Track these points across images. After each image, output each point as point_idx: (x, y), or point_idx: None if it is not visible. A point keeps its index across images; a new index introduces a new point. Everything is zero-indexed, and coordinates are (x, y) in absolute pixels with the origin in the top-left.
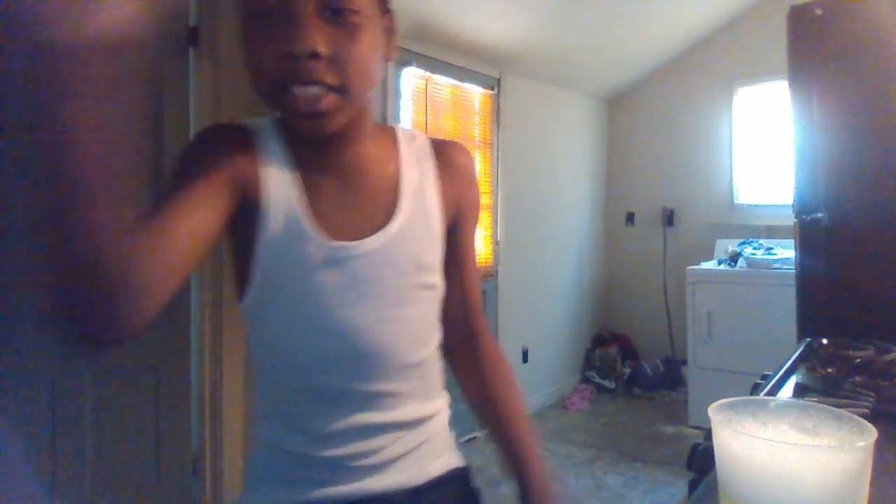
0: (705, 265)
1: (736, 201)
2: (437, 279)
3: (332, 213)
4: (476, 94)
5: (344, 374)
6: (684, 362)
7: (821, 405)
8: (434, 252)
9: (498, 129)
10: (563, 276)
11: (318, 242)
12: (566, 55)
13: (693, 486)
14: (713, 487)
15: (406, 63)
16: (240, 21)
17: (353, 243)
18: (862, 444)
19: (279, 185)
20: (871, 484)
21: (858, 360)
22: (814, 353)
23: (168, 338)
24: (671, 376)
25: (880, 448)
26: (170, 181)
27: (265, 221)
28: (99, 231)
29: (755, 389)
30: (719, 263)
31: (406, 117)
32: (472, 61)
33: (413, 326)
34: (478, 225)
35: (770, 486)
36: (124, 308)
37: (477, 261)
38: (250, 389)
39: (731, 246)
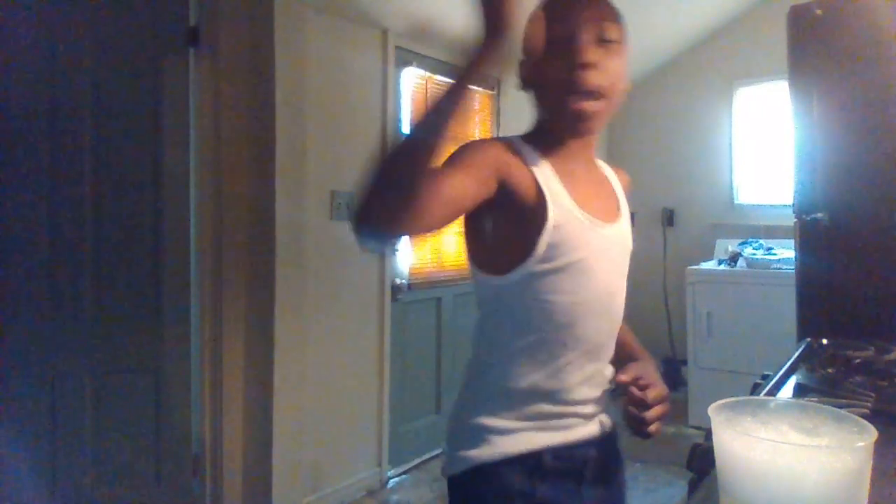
0: (705, 265)
1: (736, 201)
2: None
3: (585, 201)
4: (476, 94)
5: (602, 329)
6: (684, 362)
7: (821, 405)
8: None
9: (498, 129)
10: None
11: (586, 223)
12: None
13: (693, 486)
14: (713, 487)
15: (406, 63)
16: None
17: (608, 224)
18: (862, 444)
19: (550, 181)
20: (871, 484)
21: (858, 360)
22: (814, 353)
23: (168, 338)
24: (671, 376)
25: (880, 448)
26: (450, 159)
27: (547, 208)
28: (423, 170)
29: (755, 389)
30: (719, 263)
31: (406, 117)
32: None
33: (624, 292)
34: None
35: (770, 486)
36: (405, 216)
37: None
38: (250, 389)
39: (731, 246)
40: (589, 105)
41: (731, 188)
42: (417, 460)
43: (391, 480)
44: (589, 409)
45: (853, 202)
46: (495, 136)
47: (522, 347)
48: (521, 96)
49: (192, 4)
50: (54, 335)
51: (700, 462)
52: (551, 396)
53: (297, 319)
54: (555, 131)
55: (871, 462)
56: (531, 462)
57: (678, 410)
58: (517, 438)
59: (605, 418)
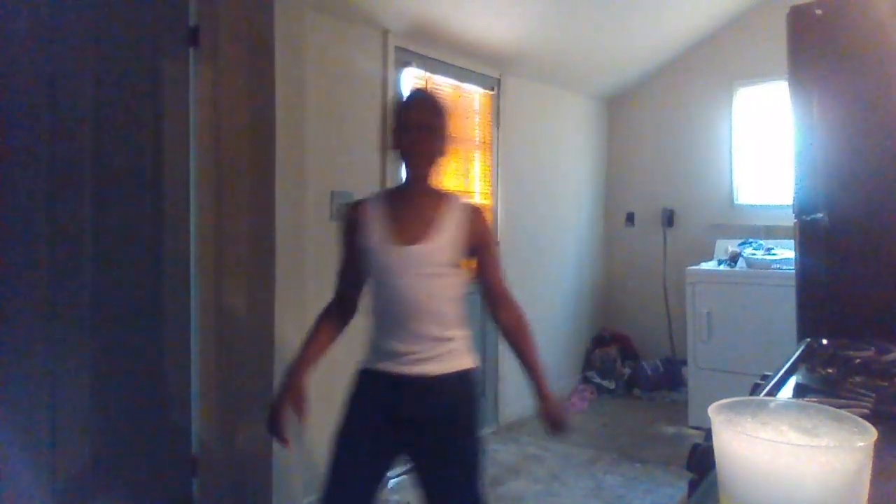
0: (705, 265)
1: (736, 201)
2: (446, 270)
3: (398, 231)
4: (476, 94)
5: (406, 315)
6: (684, 363)
7: (821, 405)
8: (445, 257)
9: (498, 129)
10: (562, 276)
11: (389, 246)
12: (566, 55)
13: (693, 486)
14: (713, 487)
15: (406, 63)
16: (396, 124)
17: (409, 245)
18: (862, 444)
19: (376, 222)
20: (871, 484)
21: (858, 361)
22: (814, 354)
23: (168, 338)
24: (671, 377)
25: (880, 448)
26: (340, 250)
27: (368, 240)
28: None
29: (755, 390)
30: (719, 264)
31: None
32: (472, 61)
33: (430, 292)
34: (493, 245)
35: (770, 486)
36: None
37: (497, 263)
38: (250, 389)
39: (731, 246)
40: (417, 160)
41: (731, 188)
42: None
43: (391, 480)
44: (409, 357)
45: (853, 202)
46: (377, 192)
47: (373, 317)
48: (521, 96)
49: (192, 5)
50: (54, 335)
51: (700, 462)
52: (384, 345)
53: (297, 319)
54: (406, 180)
55: (871, 462)
56: (366, 374)
57: (678, 411)
58: (367, 361)
59: (427, 367)
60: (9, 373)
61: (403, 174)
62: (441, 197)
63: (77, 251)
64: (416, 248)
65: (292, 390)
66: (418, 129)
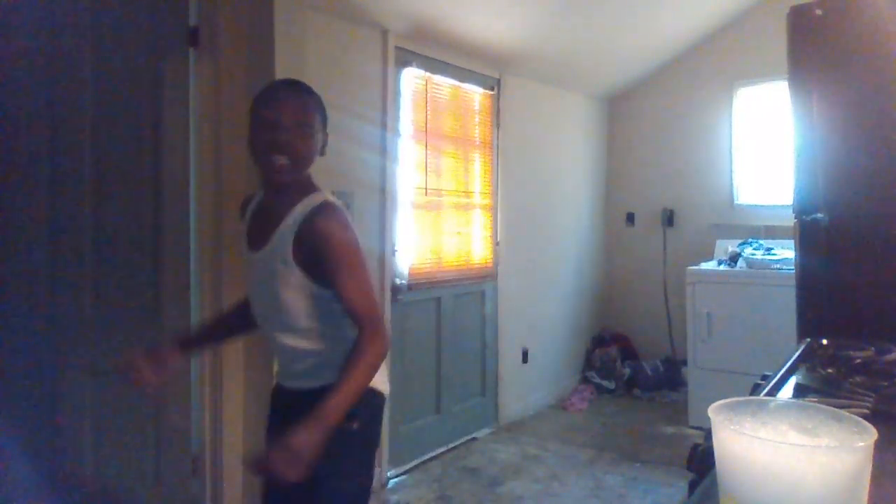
0: (705, 265)
1: (736, 201)
2: (282, 278)
3: (254, 234)
4: (476, 94)
5: (261, 317)
6: (684, 363)
7: (821, 405)
8: (278, 266)
9: (498, 129)
10: (563, 276)
11: (245, 250)
12: (566, 55)
13: (693, 486)
14: (713, 487)
15: (406, 63)
16: (252, 122)
17: (254, 252)
18: (862, 444)
19: (247, 223)
20: (871, 484)
21: (858, 361)
22: (814, 354)
23: (168, 337)
24: (671, 377)
25: (880, 448)
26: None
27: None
28: None
29: (755, 389)
30: (719, 264)
31: (406, 117)
32: (472, 61)
33: (274, 300)
34: (336, 258)
35: (770, 486)
36: None
37: (350, 283)
38: (250, 389)
39: (731, 246)
40: (278, 167)
41: (731, 188)
42: (417, 460)
43: (391, 480)
44: (283, 371)
45: (853, 202)
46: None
47: None
48: (521, 96)
49: (192, 5)
50: (54, 335)
51: (700, 462)
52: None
53: None
54: (265, 182)
55: (871, 462)
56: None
57: (678, 411)
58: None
59: (297, 382)
60: (9, 373)
61: (262, 176)
62: (299, 194)
63: (77, 251)
64: (258, 254)
65: (159, 352)
66: (273, 128)
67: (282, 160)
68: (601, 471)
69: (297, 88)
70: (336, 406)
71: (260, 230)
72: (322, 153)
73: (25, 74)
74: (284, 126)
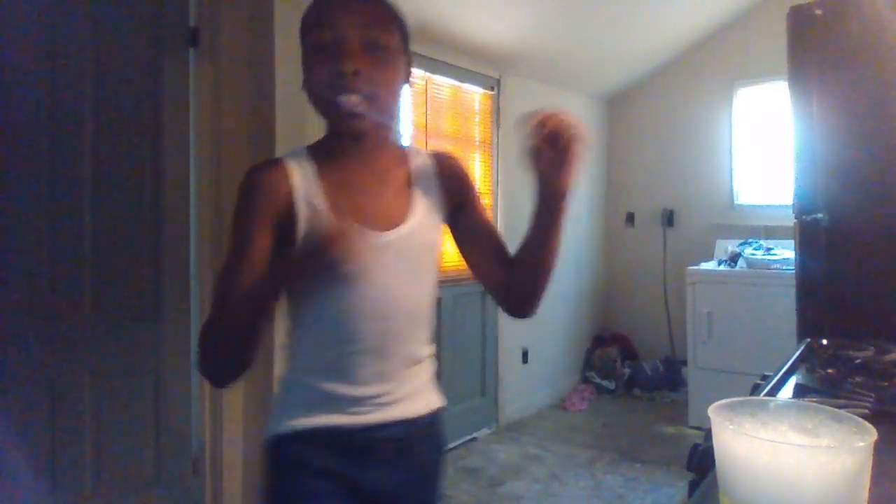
0: (705, 265)
1: (736, 201)
2: (436, 256)
3: (357, 211)
4: (476, 94)
5: (385, 331)
6: (684, 363)
7: (821, 406)
8: (436, 239)
9: (498, 129)
10: (563, 276)
11: (357, 233)
12: (566, 55)
13: (693, 486)
14: (713, 488)
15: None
16: (304, 51)
17: (383, 232)
18: (862, 444)
19: (313, 197)
20: (871, 484)
21: (858, 361)
22: (814, 354)
23: (168, 338)
24: (671, 377)
25: (880, 448)
26: (232, 239)
27: (300, 225)
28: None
29: (755, 390)
30: (719, 264)
31: (406, 117)
32: (471, 61)
33: (421, 293)
34: (477, 194)
35: (770, 486)
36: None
37: (488, 217)
38: (250, 390)
39: (731, 246)
40: (352, 110)
41: (731, 188)
42: None
43: None
44: (381, 399)
45: (853, 202)
46: (309, 147)
47: (310, 346)
48: (521, 96)
49: (192, 5)
50: (54, 335)
51: (700, 462)
52: (335, 388)
53: None
54: (333, 137)
55: (871, 462)
56: (311, 436)
57: (678, 411)
58: (304, 418)
59: (407, 407)
60: (9, 373)
61: (329, 125)
62: (401, 154)
63: (77, 251)
64: (394, 234)
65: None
66: (333, 54)
67: (353, 99)
68: (601, 471)
69: None
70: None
71: (364, 205)
72: (408, 83)
73: (25, 74)
74: (349, 48)
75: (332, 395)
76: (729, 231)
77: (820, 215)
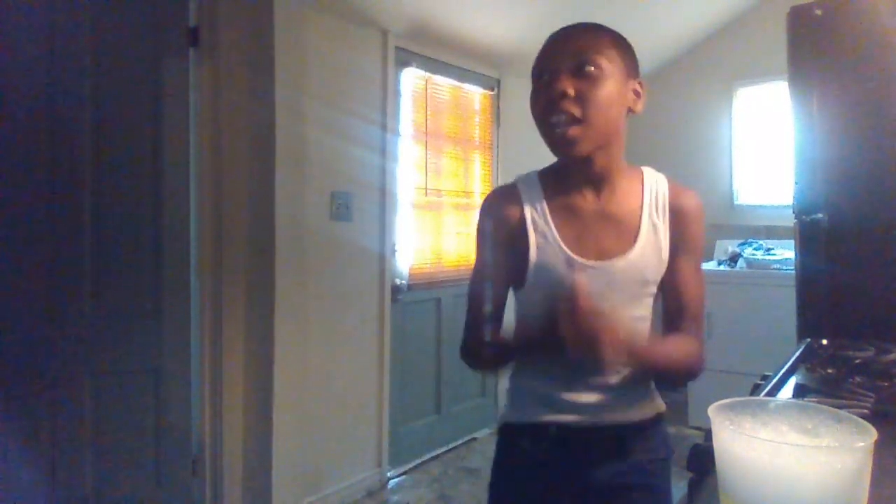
0: (705, 265)
1: (736, 201)
2: (654, 289)
3: (578, 237)
4: (476, 94)
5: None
6: None
7: (821, 406)
8: (657, 272)
9: (498, 129)
10: None
11: (568, 262)
12: None
13: (693, 486)
14: (713, 487)
15: (406, 63)
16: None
17: (600, 261)
18: (862, 444)
19: (541, 223)
20: (871, 484)
21: (858, 361)
22: (814, 354)
23: (168, 338)
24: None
25: (880, 448)
26: (477, 256)
27: (532, 249)
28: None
29: (755, 390)
30: (719, 264)
31: (406, 117)
32: (471, 62)
33: (634, 323)
34: (697, 254)
35: (770, 486)
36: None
37: (696, 279)
38: (250, 389)
39: (731, 246)
40: (563, 131)
41: (731, 189)
42: (417, 461)
43: (391, 481)
44: (590, 409)
45: (853, 202)
46: (509, 181)
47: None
48: (521, 96)
49: (192, 5)
50: (54, 335)
51: (700, 462)
52: (551, 394)
53: (297, 320)
54: (560, 163)
55: (871, 462)
56: (533, 430)
57: (678, 410)
58: (526, 411)
59: (614, 416)
60: (9, 373)
61: (550, 148)
62: (635, 178)
63: (77, 251)
64: (610, 265)
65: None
66: (548, 81)
67: (562, 121)
68: None
69: (584, 25)
70: (646, 355)
71: (586, 232)
72: (635, 111)
73: (25, 74)
74: (559, 75)
75: (546, 397)
76: (729, 231)
77: (820, 215)
